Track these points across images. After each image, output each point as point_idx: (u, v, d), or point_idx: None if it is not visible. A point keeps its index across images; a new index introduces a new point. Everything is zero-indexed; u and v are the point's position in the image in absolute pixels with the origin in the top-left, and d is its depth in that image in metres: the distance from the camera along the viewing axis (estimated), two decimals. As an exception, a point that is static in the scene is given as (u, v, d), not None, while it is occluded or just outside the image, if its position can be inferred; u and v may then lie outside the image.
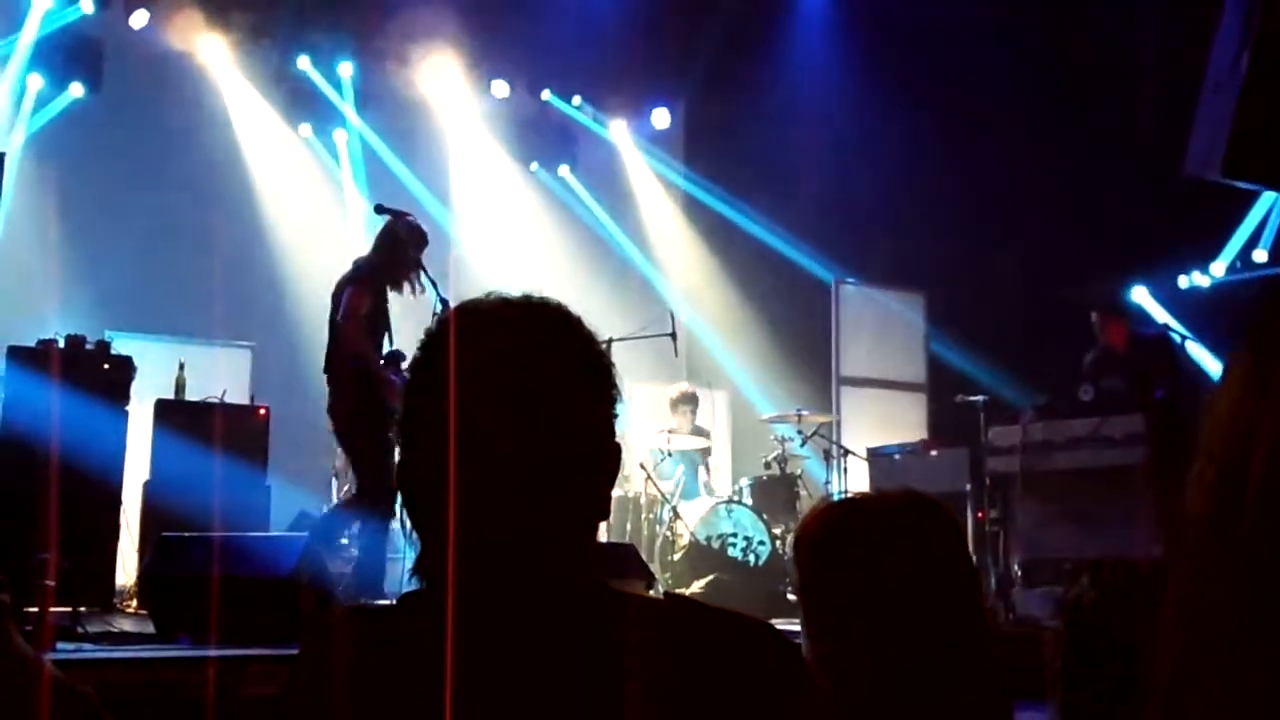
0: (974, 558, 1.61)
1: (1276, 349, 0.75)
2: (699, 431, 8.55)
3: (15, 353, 6.14)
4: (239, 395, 7.54)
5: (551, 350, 1.12)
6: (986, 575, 6.56)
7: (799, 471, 8.21)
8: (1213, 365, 8.56)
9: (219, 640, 4.17)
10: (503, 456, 1.07)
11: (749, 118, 10.67)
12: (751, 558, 7.33)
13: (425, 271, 5.69)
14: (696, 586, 6.94)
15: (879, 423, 9.32)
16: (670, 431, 8.17)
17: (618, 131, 11.15)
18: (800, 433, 8.20)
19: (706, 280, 10.84)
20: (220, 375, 7.48)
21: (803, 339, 10.03)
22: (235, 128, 9.51)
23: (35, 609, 3.67)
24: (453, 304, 5.50)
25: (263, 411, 7.11)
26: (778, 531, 7.56)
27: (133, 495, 6.51)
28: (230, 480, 6.32)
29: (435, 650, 1.02)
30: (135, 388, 6.44)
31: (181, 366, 7.18)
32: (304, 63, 9.74)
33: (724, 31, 10.45)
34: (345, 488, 7.63)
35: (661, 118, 11.08)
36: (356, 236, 8.99)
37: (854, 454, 8.22)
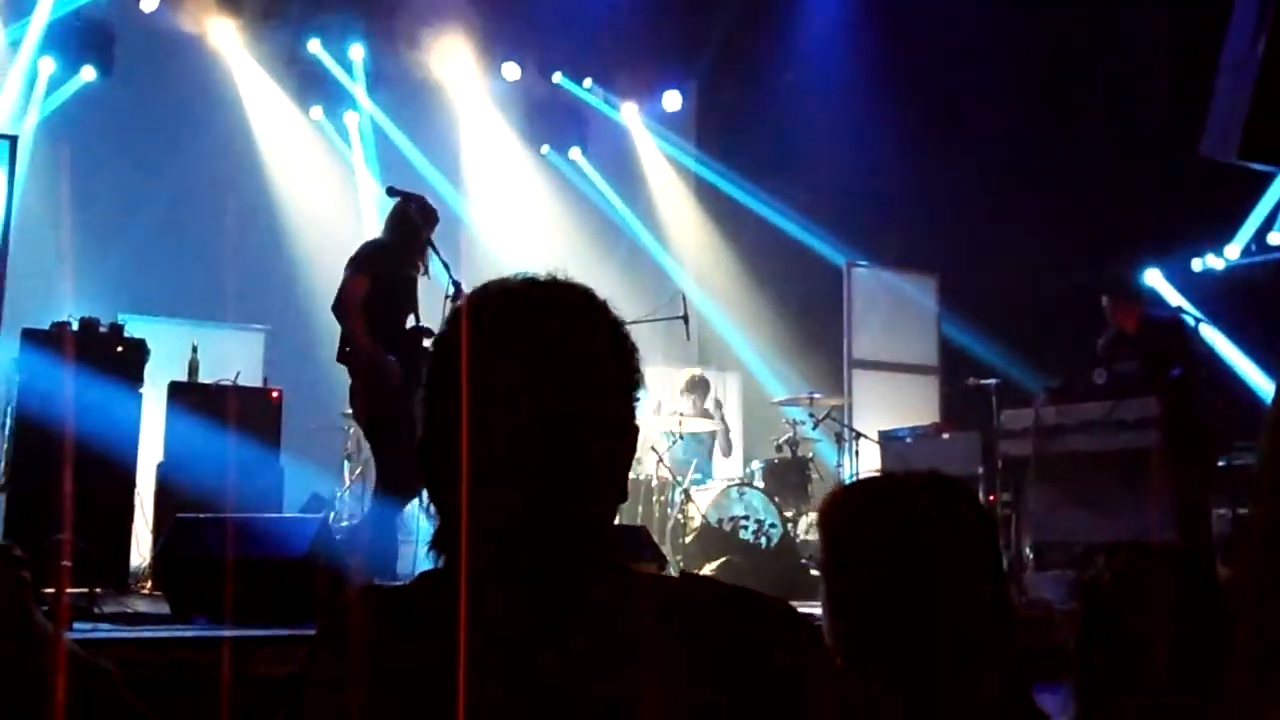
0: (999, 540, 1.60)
1: None
2: (709, 415, 8.55)
3: (30, 335, 6.17)
4: (252, 378, 7.56)
5: (577, 331, 1.12)
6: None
7: (810, 454, 8.21)
8: (1227, 349, 8.53)
9: (234, 621, 4.19)
10: (523, 435, 1.07)
11: (761, 100, 10.64)
12: (763, 540, 7.34)
13: (437, 253, 5.69)
14: (708, 569, 6.94)
15: (891, 406, 9.31)
16: (681, 415, 8.18)
17: (629, 114, 11.12)
18: (812, 416, 8.20)
19: (718, 263, 10.83)
20: (233, 358, 7.50)
21: (814, 322, 10.02)
22: (247, 110, 9.52)
23: (51, 589, 3.69)
24: (464, 286, 5.53)
25: (275, 394, 7.13)
26: (789, 514, 7.56)
27: (146, 477, 6.54)
28: (243, 462, 6.34)
29: (453, 628, 1.03)
30: (148, 370, 6.46)
31: (195, 349, 7.19)
32: (315, 45, 9.73)
33: (736, 13, 10.41)
34: (358, 470, 7.67)
35: (673, 100, 11.04)
36: (369, 219, 9.00)
37: (866, 437, 8.21)
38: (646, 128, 11.23)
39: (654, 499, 7.79)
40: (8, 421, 6.19)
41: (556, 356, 1.09)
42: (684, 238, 11.14)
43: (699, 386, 8.46)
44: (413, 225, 5.72)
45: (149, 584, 5.98)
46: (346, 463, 7.95)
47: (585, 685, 1.03)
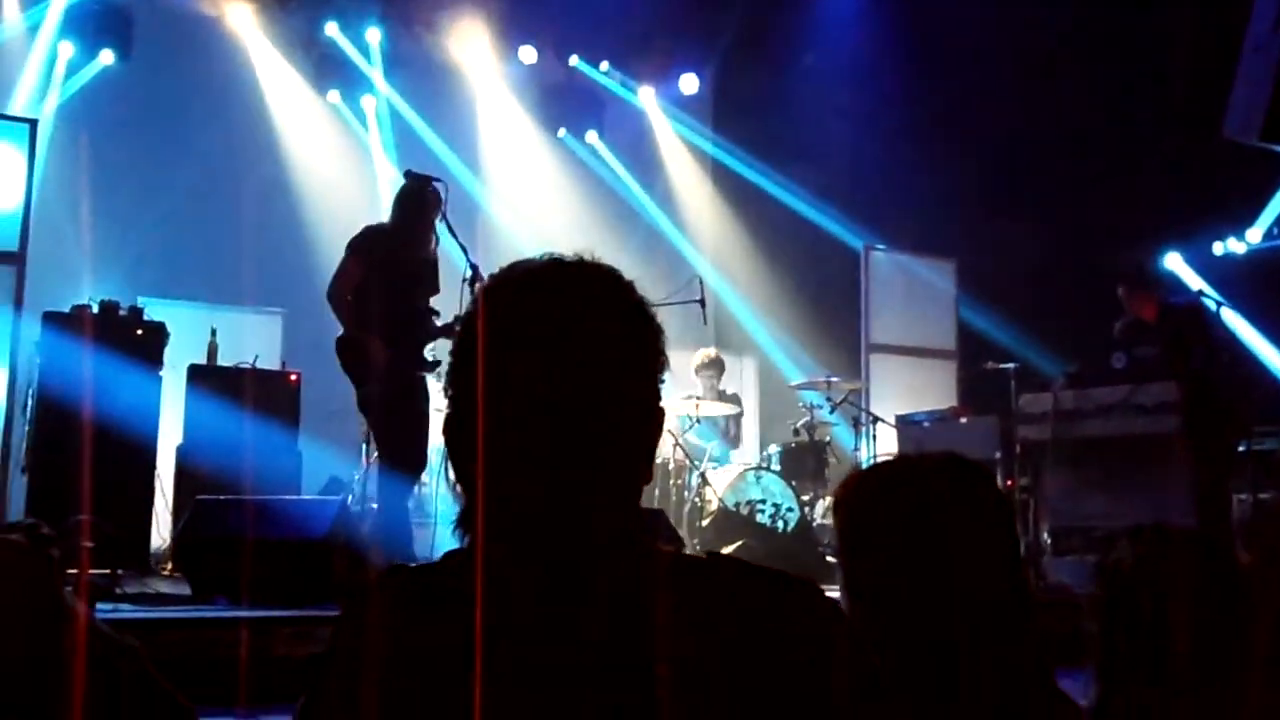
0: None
1: None
2: (724, 397, 8.55)
3: (50, 318, 6.21)
4: (270, 361, 7.59)
5: (602, 312, 1.12)
6: (1015, 543, 6.53)
7: (828, 439, 8.20)
8: (1248, 333, 8.48)
9: (253, 601, 4.23)
10: (548, 414, 1.07)
11: (778, 83, 10.58)
12: (780, 524, 7.34)
13: (455, 236, 5.70)
14: (725, 552, 6.96)
15: (908, 390, 9.28)
16: (698, 398, 8.19)
17: (646, 97, 11.09)
18: (829, 400, 8.19)
19: (735, 247, 10.80)
20: (251, 341, 7.53)
21: (832, 306, 9.99)
22: (264, 94, 9.53)
23: (74, 570, 3.73)
24: (481, 270, 5.53)
25: (294, 377, 7.16)
26: (806, 498, 7.56)
27: (166, 459, 6.58)
28: (262, 444, 6.37)
29: (475, 609, 1.03)
30: (167, 354, 6.49)
31: (214, 332, 7.23)
32: (332, 29, 9.73)
33: (753, -4, 10.35)
34: (376, 452, 7.69)
35: (690, 83, 11.00)
36: (386, 202, 9.00)
37: (883, 421, 8.20)
38: (663, 111, 11.19)
39: (671, 482, 7.80)
40: (29, 404, 6.24)
41: (577, 337, 1.09)
42: (701, 221, 11.11)
43: (714, 366, 8.46)
44: (414, 208, 5.74)
45: (169, 565, 6.02)
46: (365, 445, 7.97)
47: (606, 665, 1.03)
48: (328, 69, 9.82)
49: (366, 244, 5.68)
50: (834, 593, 1.54)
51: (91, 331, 6.11)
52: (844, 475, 1.62)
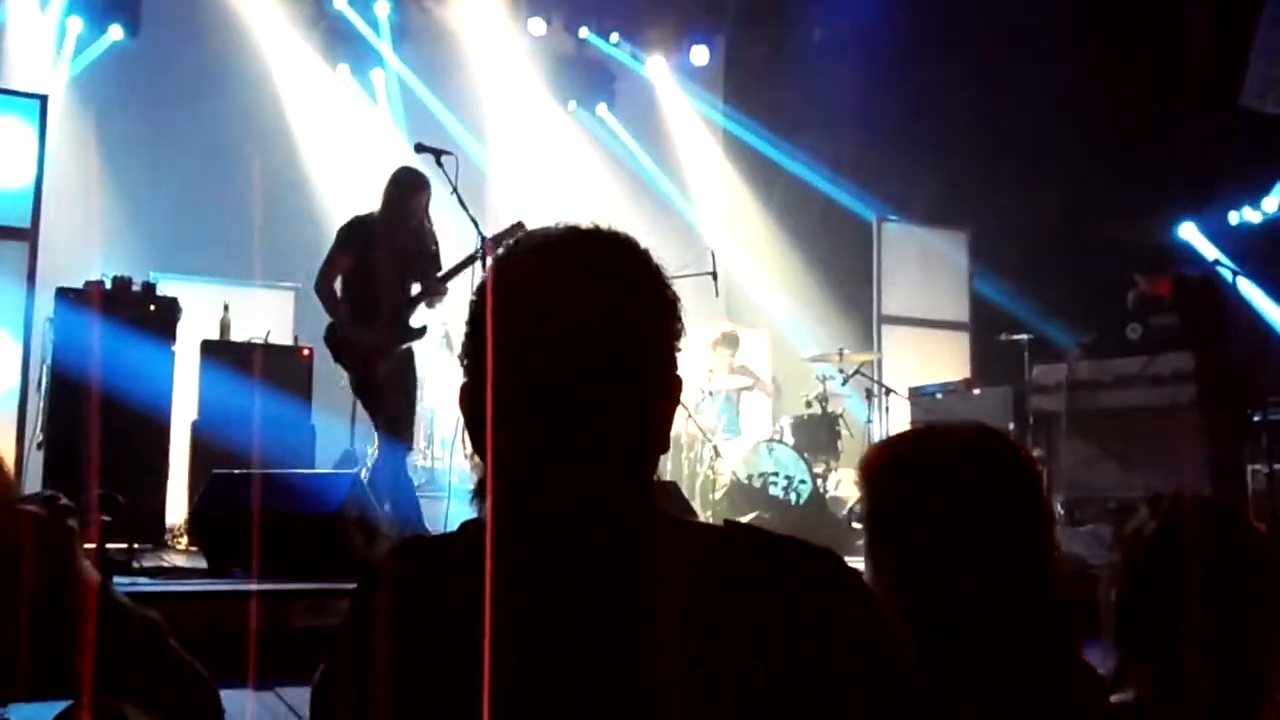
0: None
1: None
2: (740, 371, 8.54)
3: (64, 294, 6.22)
4: (283, 336, 7.60)
5: (618, 279, 1.11)
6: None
7: (840, 410, 8.19)
8: (1263, 302, 8.43)
9: (269, 575, 4.25)
10: (564, 382, 1.07)
11: (789, 54, 10.51)
12: (793, 496, 7.35)
13: (466, 210, 5.69)
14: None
15: (921, 361, 9.27)
16: (711, 371, 8.18)
17: (656, 69, 11.02)
18: (842, 371, 8.18)
19: (747, 218, 10.75)
20: (263, 316, 7.54)
21: (844, 277, 9.96)
22: (273, 69, 9.50)
23: (91, 544, 3.75)
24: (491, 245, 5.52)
25: (306, 352, 7.17)
26: (819, 470, 7.56)
27: (181, 434, 6.60)
28: (276, 419, 6.39)
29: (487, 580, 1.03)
30: (180, 329, 6.50)
31: (226, 308, 7.24)
32: (341, 2, 9.70)
33: (763, -35, 10.27)
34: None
35: (700, 54, 10.92)
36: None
37: (896, 393, 8.18)
38: (674, 82, 11.12)
39: (684, 455, 7.81)
40: (44, 380, 6.27)
41: (592, 305, 1.08)
42: (712, 193, 11.06)
43: (730, 342, 8.46)
44: (397, 195, 5.79)
45: (185, 540, 6.06)
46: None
47: (621, 634, 1.03)
48: (337, 43, 9.79)
49: (351, 234, 5.77)
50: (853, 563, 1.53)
51: (105, 307, 6.13)
52: (857, 447, 1.62)
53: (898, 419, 8.07)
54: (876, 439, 6.98)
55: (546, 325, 1.08)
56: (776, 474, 7.43)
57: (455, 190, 5.69)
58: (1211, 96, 7.98)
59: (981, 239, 9.81)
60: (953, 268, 9.94)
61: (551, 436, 1.08)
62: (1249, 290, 7.73)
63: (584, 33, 10.61)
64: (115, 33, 8.83)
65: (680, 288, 1.18)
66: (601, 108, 10.86)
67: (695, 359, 8.25)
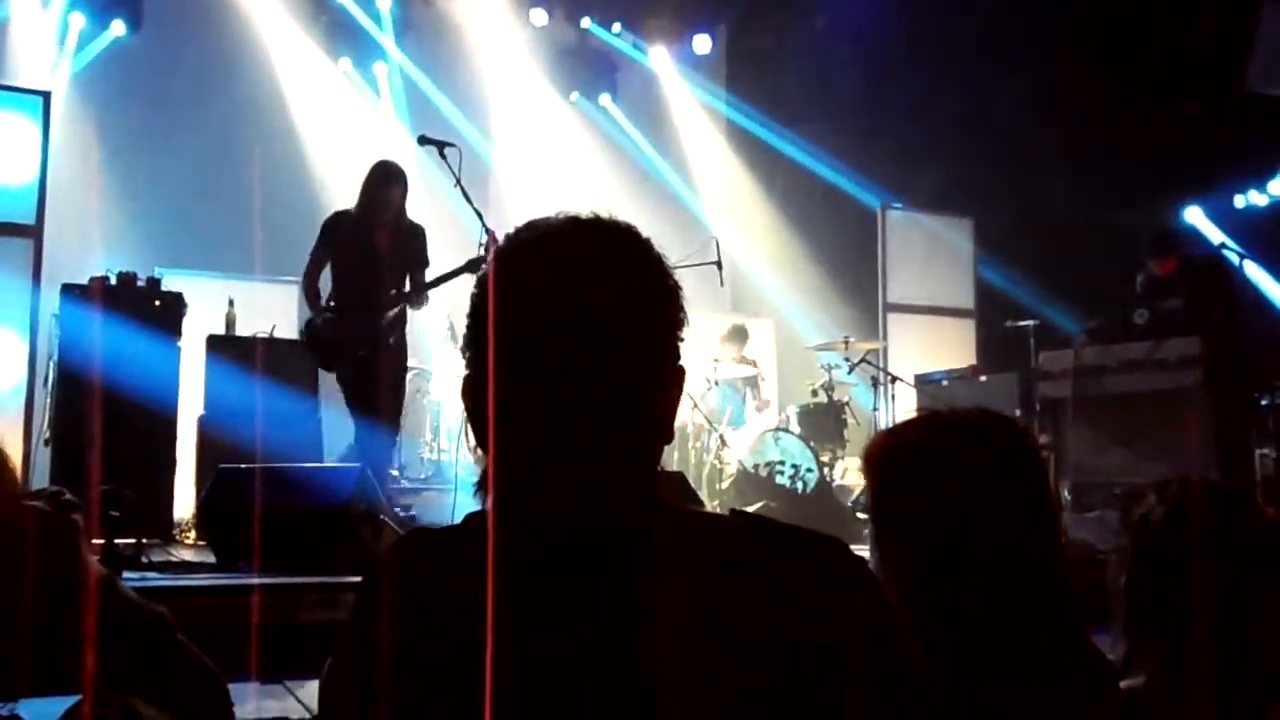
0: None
1: None
2: (746, 361, 8.55)
3: (69, 290, 6.23)
4: (288, 330, 7.60)
5: (620, 269, 1.11)
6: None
7: (846, 399, 8.18)
8: (1270, 285, 8.40)
9: (277, 568, 4.26)
10: (566, 372, 1.06)
11: (792, 42, 10.48)
12: (799, 485, 7.34)
13: (470, 202, 5.69)
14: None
15: (927, 349, 9.26)
16: (716, 360, 8.18)
17: (659, 58, 11.00)
18: (847, 360, 8.17)
19: (751, 207, 10.74)
20: (269, 310, 7.55)
21: (849, 265, 9.95)
22: (276, 64, 9.50)
23: (101, 540, 3.76)
24: (497, 235, 5.54)
25: (312, 345, 7.16)
26: (825, 459, 7.55)
27: (187, 429, 6.62)
28: (283, 413, 6.40)
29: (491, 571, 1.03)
30: (185, 324, 6.51)
31: (231, 302, 7.25)
32: (342, -5, 9.70)
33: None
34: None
35: (703, 43, 10.89)
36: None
37: (902, 380, 8.17)
38: (677, 72, 11.09)
39: (690, 445, 7.81)
40: (50, 376, 6.28)
41: (594, 295, 1.08)
42: (716, 183, 11.04)
43: (739, 336, 8.48)
44: (367, 189, 5.89)
45: (192, 535, 6.07)
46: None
47: (625, 624, 1.03)
48: (339, 37, 9.78)
49: (324, 230, 5.94)
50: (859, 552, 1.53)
51: (110, 303, 6.13)
52: (863, 435, 1.61)
53: (904, 407, 8.06)
54: (883, 427, 6.97)
55: (547, 316, 1.07)
56: (783, 463, 7.42)
57: (459, 182, 5.67)
58: (1217, 80, 7.94)
59: (986, 225, 9.79)
60: (958, 254, 9.92)
61: (553, 428, 1.07)
62: (1255, 274, 7.71)
63: (586, 23, 10.59)
64: (117, 28, 8.82)
65: (684, 277, 1.17)
66: (604, 98, 10.84)
67: (700, 349, 8.25)
